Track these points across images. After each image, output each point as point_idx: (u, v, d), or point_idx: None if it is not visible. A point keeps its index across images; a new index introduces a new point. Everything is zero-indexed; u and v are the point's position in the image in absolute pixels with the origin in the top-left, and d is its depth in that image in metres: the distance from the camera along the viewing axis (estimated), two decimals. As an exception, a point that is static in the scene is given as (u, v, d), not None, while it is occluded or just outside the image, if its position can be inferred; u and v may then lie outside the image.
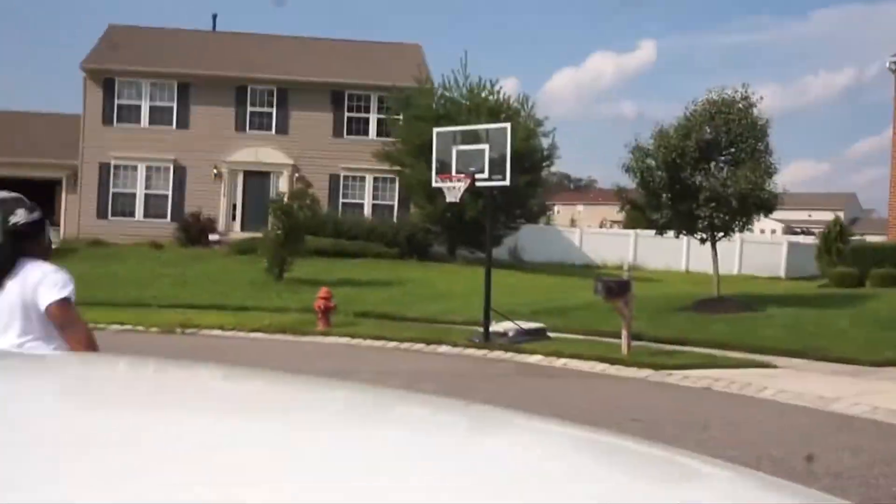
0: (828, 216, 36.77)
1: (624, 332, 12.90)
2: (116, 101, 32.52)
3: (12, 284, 3.62)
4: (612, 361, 12.40)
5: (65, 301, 3.61)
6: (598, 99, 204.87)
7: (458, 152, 14.25)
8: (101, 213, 32.15)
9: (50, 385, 1.45)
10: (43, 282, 3.64)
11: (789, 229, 63.98)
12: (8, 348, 3.40)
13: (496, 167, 14.00)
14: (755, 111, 19.56)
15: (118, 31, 34.58)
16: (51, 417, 1.16)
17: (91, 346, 3.69)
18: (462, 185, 14.13)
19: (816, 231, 47.71)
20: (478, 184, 14.24)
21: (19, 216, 3.73)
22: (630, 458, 1.25)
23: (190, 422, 1.20)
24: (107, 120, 32.45)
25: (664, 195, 19.08)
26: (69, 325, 3.65)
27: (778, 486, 1.19)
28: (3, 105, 52.21)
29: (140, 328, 14.70)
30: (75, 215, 32.09)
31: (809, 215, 74.86)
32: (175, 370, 1.81)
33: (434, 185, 14.87)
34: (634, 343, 13.21)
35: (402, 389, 1.83)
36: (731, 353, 13.24)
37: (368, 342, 13.91)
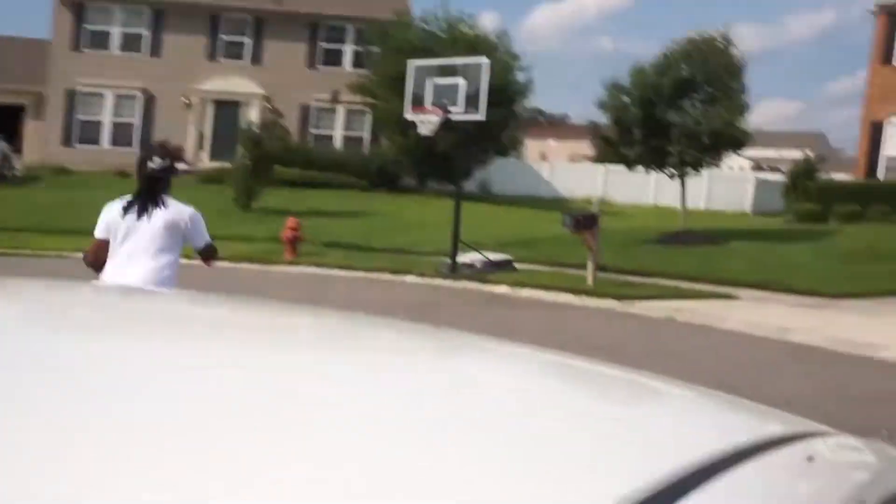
0: (797, 154, 37.00)
1: (589, 264, 12.97)
2: (86, 27, 31.74)
3: (159, 214, 4.92)
4: (577, 292, 12.47)
5: (211, 244, 5.26)
6: (576, 35, 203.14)
7: (434, 86, 14.12)
8: (66, 141, 31.60)
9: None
10: (196, 225, 5.06)
11: (758, 166, 64.38)
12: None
13: (471, 101, 13.89)
14: (733, 51, 19.53)
15: (83, -46, 33.63)
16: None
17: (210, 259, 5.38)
18: (436, 119, 14.02)
19: (784, 168, 48.06)
20: (452, 118, 14.12)
21: (156, 163, 4.99)
22: (599, 379, 1.28)
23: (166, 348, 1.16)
24: (75, 45, 31.71)
25: (637, 131, 19.10)
26: (211, 258, 5.39)
27: (738, 404, 1.25)
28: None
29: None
30: (39, 142, 31.52)
31: (779, 153, 75.31)
32: (145, 299, 1.79)
33: (407, 116, 14.73)
34: (600, 275, 13.29)
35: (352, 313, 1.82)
36: (695, 285, 13.37)
37: (336, 272, 13.89)
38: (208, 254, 5.27)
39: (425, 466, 0.76)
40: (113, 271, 4.95)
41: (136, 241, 4.97)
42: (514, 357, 1.38)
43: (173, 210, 5.01)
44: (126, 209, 5.00)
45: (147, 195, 5.03)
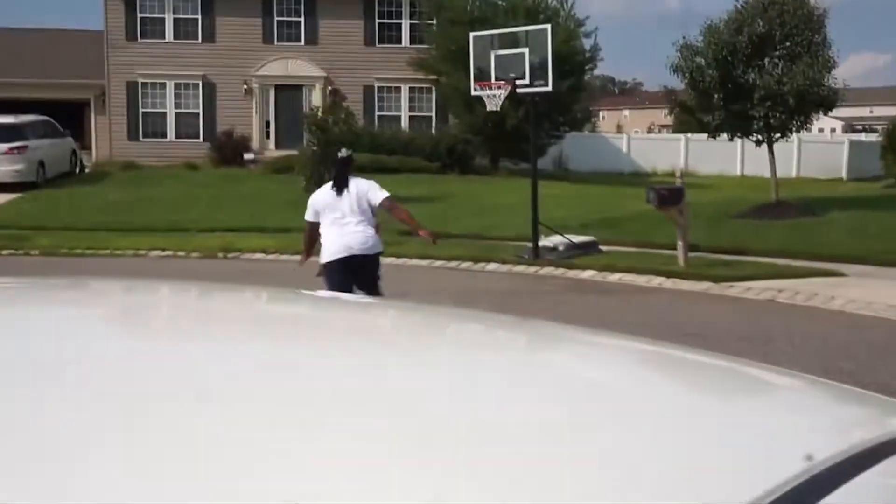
0: (891, 112, 35.92)
1: (680, 243, 12.79)
2: (139, 15, 32.32)
3: (349, 191, 7.04)
4: (669, 274, 12.33)
5: (389, 196, 7.12)
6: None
7: (497, 57, 14.02)
8: (132, 135, 32.29)
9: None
10: (371, 188, 7.14)
11: (850, 127, 62.68)
12: None
13: (537, 72, 13.78)
14: (812, 1, 18.99)
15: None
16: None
17: (411, 218, 7.48)
18: (502, 93, 13.96)
19: (879, 128, 46.69)
20: (518, 90, 14.05)
21: (343, 152, 7.41)
22: (706, 371, 1.26)
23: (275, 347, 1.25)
24: (130, 35, 32.32)
25: (716, 95, 18.73)
26: (396, 207, 7.33)
27: (855, 395, 1.20)
28: (22, 23, 52.23)
29: (181, 254, 14.85)
30: (107, 138, 32.28)
31: (871, 111, 73.06)
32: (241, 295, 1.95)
33: (473, 93, 14.67)
34: (691, 254, 13.12)
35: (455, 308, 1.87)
36: (793, 262, 13.10)
37: (415, 261, 13.95)
38: (392, 205, 7.23)
39: (558, 468, 0.79)
40: (330, 241, 7.03)
41: (341, 215, 7.01)
42: (615, 349, 1.37)
43: (357, 185, 7.12)
44: (328, 192, 7.09)
45: (339, 178, 7.17)
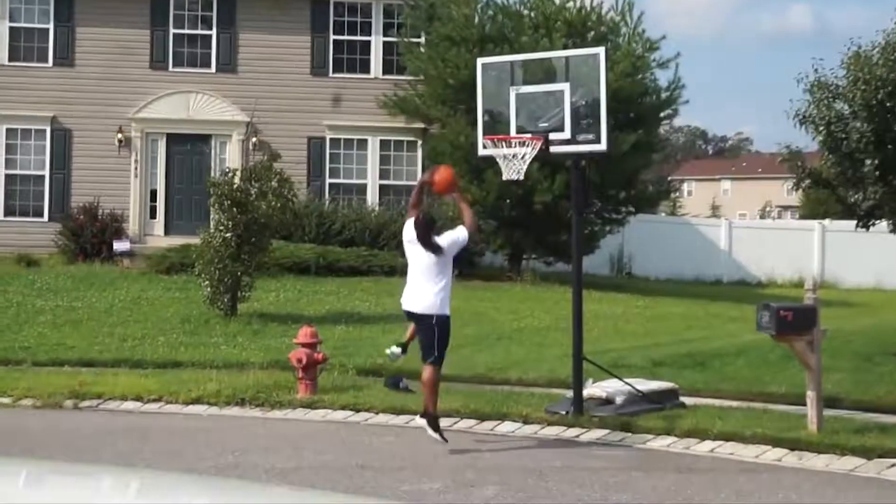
0: None
1: (810, 395, 12.79)
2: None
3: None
4: (793, 444, 12.28)
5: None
6: (746, 4, 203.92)
7: (520, 97, 14.19)
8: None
9: None
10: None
11: None
12: None
13: (583, 121, 13.94)
14: None
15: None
16: None
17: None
18: (528, 153, 14.05)
19: None
20: (553, 149, 14.16)
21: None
22: None
23: None
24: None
25: (868, 161, 18.98)
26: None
27: None
28: None
29: (4, 401, 14.78)
30: None
31: None
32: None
33: (481, 152, 14.80)
34: (829, 412, 13.08)
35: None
36: None
37: (381, 418, 13.90)
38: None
39: None
40: None
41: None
42: None
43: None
44: None
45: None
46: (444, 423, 13.86)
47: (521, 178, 14.50)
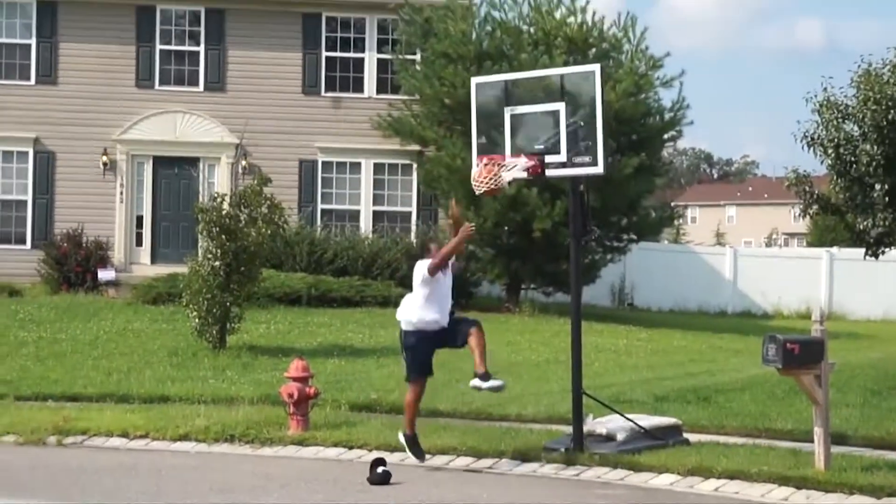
0: None
1: (818, 431, 12.83)
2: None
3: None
4: (800, 483, 12.30)
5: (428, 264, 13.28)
6: (754, 19, 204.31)
7: (515, 118, 14.19)
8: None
9: None
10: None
11: None
12: None
13: (582, 143, 13.91)
14: None
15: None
16: None
17: (447, 248, 13.79)
18: (519, 173, 14.03)
19: None
20: (549, 172, 14.16)
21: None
22: None
23: None
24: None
25: (878, 186, 19.02)
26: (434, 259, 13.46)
27: None
28: None
29: (-16, 436, 14.82)
30: None
31: None
32: None
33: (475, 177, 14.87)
34: (836, 449, 13.10)
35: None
36: None
37: (375, 455, 13.92)
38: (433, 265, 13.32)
39: None
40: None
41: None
42: None
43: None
44: None
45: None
46: (439, 460, 13.92)
47: (506, 187, 14.45)
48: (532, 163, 13.78)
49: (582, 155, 13.83)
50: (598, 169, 13.77)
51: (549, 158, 13.88)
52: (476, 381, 13.56)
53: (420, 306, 13.40)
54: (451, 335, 13.72)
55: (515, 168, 13.86)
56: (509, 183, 14.15)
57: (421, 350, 13.55)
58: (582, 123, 13.91)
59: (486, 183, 13.65)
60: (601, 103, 13.83)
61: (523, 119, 14.17)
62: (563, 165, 13.92)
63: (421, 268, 13.36)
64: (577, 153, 13.82)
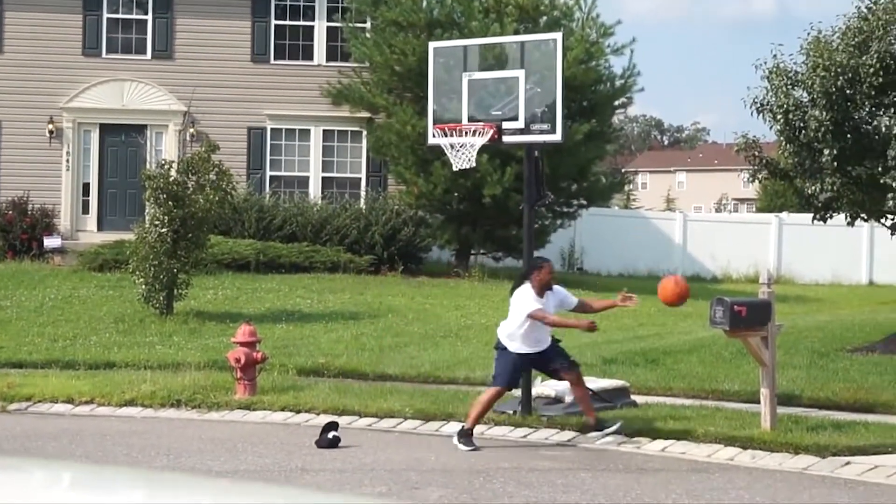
0: None
1: (764, 392, 12.91)
2: None
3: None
4: (746, 443, 12.41)
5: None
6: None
7: (472, 83, 14.22)
8: None
9: None
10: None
11: None
12: None
13: (537, 110, 13.97)
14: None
15: None
16: None
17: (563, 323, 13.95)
18: (478, 142, 14.09)
19: None
20: (506, 138, 14.19)
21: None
22: None
23: None
24: None
25: (826, 151, 19.10)
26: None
27: None
28: None
29: (-73, 403, 14.76)
30: None
31: None
32: None
33: (430, 141, 14.85)
34: (783, 410, 13.21)
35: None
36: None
37: (323, 419, 13.91)
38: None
39: None
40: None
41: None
42: None
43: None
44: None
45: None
46: (387, 423, 13.95)
47: (473, 164, 14.55)
48: (491, 133, 13.87)
49: (539, 122, 13.92)
50: (557, 136, 13.91)
51: (506, 125, 13.95)
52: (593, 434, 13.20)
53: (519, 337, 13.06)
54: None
55: (473, 147, 14.00)
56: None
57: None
58: (539, 90, 14.00)
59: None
60: (561, 71, 13.92)
61: (480, 86, 14.20)
62: (520, 132, 14.01)
63: (525, 303, 13.01)
64: (535, 120, 13.90)
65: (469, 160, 14.16)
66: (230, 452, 12.26)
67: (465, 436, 12.63)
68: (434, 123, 14.46)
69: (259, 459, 11.90)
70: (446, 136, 14.25)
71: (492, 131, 13.87)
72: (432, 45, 15.18)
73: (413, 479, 10.99)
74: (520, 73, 14.04)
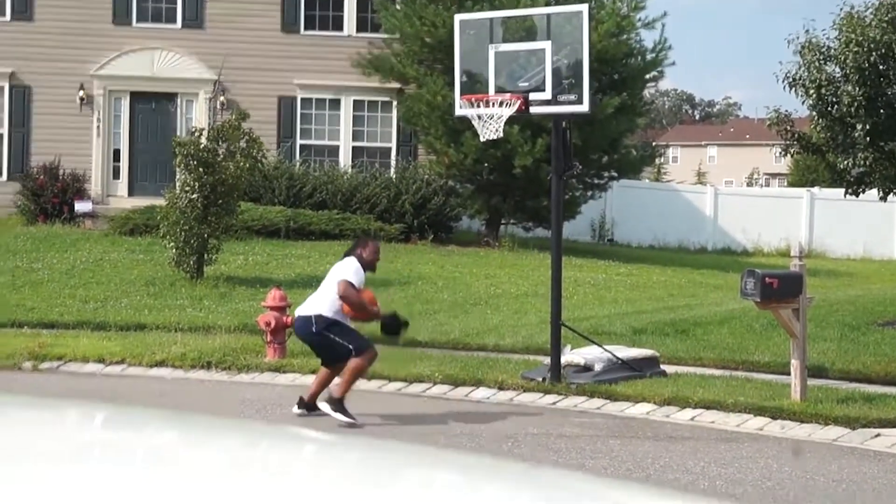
0: None
1: (794, 364, 12.91)
2: None
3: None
4: (776, 413, 12.41)
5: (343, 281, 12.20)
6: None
7: (499, 55, 14.23)
8: None
9: None
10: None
11: None
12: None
13: (565, 81, 13.97)
14: None
15: None
16: None
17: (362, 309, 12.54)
18: (506, 113, 14.11)
19: None
20: (533, 109, 14.20)
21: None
22: None
23: None
24: None
25: (859, 126, 19.06)
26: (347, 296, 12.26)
27: None
28: None
29: (-40, 363, 14.86)
30: None
31: None
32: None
33: (458, 112, 14.87)
34: (813, 381, 13.20)
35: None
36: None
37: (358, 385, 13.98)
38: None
39: None
40: None
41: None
42: None
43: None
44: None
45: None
46: (417, 388, 13.99)
47: (500, 135, 14.58)
48: (518, 104, 13.87)
49: (566, 93, 13.93)
50: (584, 107, 13.94)
51: (533, 96, 13.97)
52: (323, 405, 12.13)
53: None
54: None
55: (500, 119, 14.02)
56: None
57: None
58: (567, 62, 14.01)
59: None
60: (588, 43, 13.91)
61: (507, 57, 14.20)
62: (547, 103, 14.03)
63: (345, 275, 12.21)
64: (562, 91, 13.91)
65: (496, 131, 14.18)
66: (260, 414, 12.34)
67: (337, 405, 11.86)
68: (461, 95, 14.50)
69: (289, 420, 11.98)
70: (473, 106, 14.27)
71: (519, 102, 13.88)
72: (458, 17, 15.19)
73: (441, 443, 11.03)
74: (546, 45, 14.02)
